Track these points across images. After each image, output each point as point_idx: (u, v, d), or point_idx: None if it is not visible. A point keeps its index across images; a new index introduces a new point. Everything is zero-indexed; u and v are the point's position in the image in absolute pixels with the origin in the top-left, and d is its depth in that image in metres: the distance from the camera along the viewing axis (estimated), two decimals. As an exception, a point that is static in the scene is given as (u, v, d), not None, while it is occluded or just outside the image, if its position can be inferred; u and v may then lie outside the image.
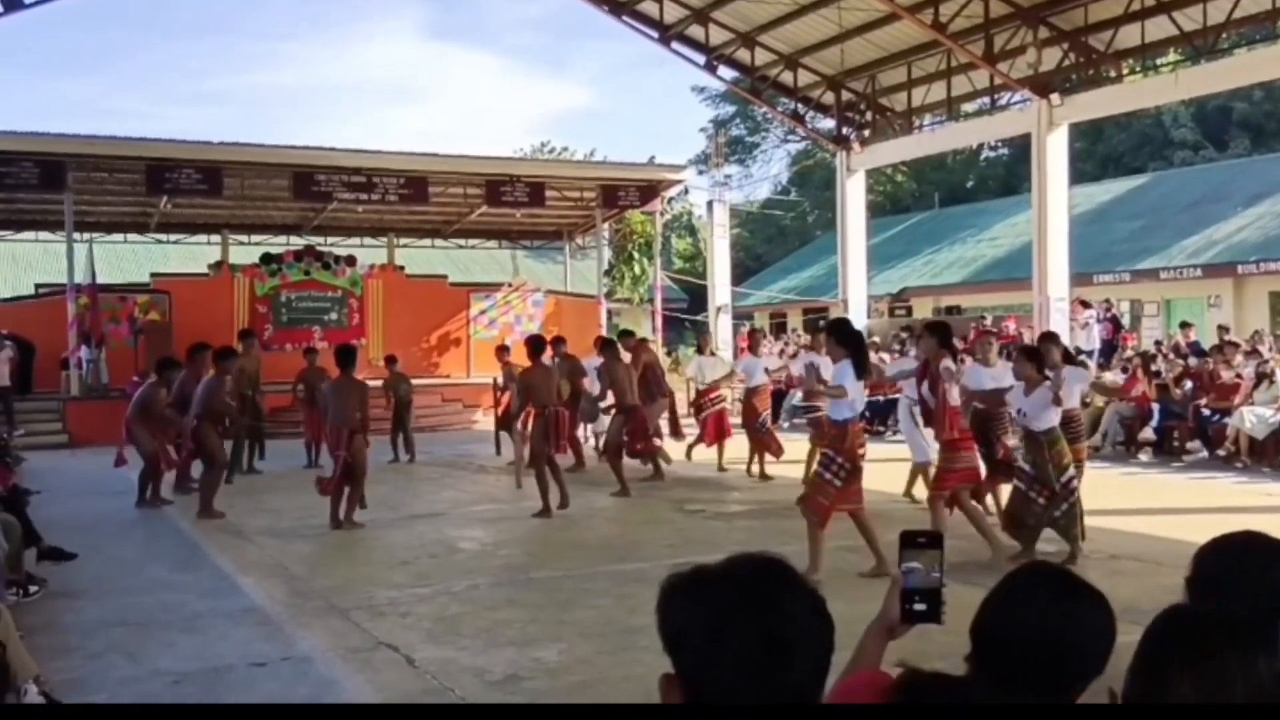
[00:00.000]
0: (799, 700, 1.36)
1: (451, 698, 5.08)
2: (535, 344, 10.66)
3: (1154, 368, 15.16)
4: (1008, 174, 41.17)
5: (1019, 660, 1.67)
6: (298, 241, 25.11)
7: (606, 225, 26.96)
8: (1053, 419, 7.71)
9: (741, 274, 36.03)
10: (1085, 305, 19.60)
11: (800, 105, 24.80)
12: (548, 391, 10.32)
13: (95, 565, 8.08)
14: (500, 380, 14.23)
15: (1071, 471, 7.77)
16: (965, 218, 34.59)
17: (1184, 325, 18.61)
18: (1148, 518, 9.60)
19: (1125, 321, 22.06)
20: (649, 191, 23.86)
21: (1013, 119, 21.59)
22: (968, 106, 23.48)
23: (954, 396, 7.78)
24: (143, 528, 10.15)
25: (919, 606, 1.83)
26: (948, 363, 7.82)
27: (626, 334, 13.67)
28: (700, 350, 14.80)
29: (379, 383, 14.31)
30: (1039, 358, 8.07)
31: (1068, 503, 7.64)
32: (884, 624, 1.89)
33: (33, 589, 6.97)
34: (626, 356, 12.33)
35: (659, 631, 1.44)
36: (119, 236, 25.74)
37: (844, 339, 7.41)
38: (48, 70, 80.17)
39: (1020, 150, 36.59)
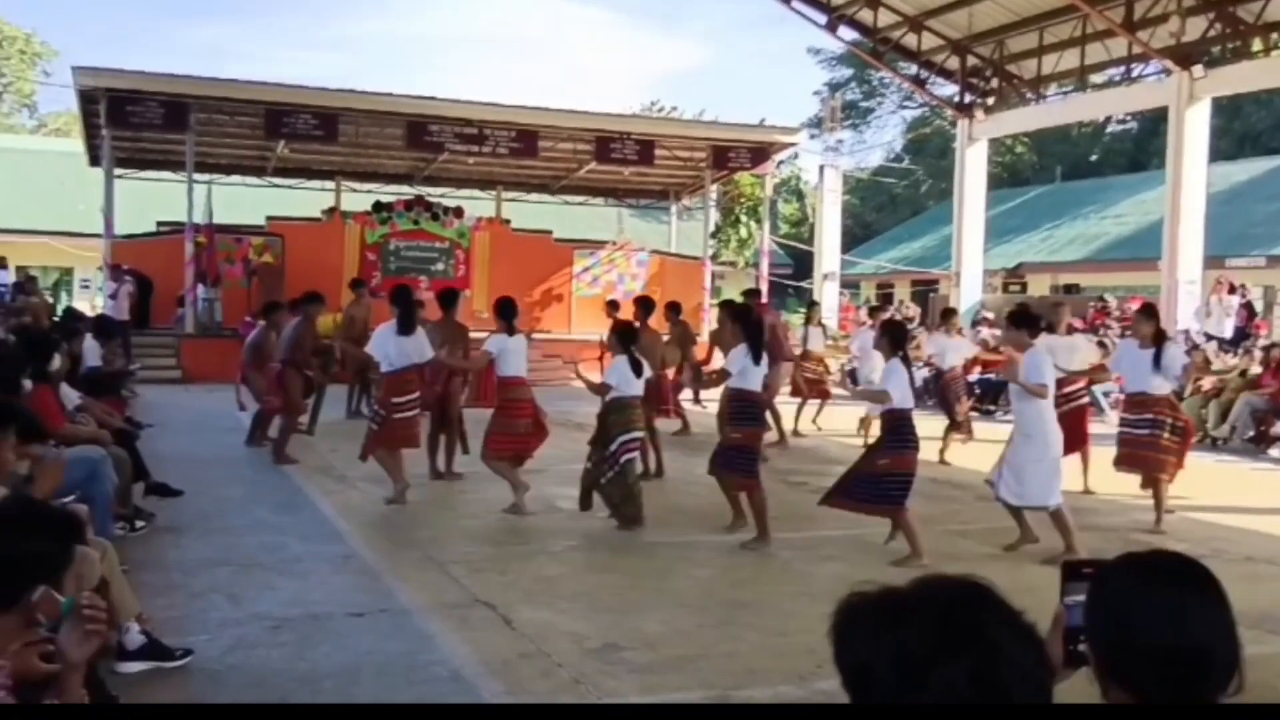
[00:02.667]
0: None
1: (548, 663, 4.94)
2: (645, 305, 10.44)
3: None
4: (1136, 149, 39.51)
5: (1149, 674, 1.42)
6: (408, 191, 25.28)
7: (715, 186, 26.55)
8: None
9: (849, 241, 35.25)
10: (1232, 289, 18.56)
11: (922, 70, 24.02)
12: (652, 355, 10.07)
13: (201, 502, 8.18)
14: (606, 338, 14.06)
15: (624, 438, 7.67)
16: (1088, 193, 33.27)
17: (1324, 315, 17.59)
18: (1282, 518, 9.02)
19: (1259, 308, 20.92)
20: (760, 153, 23.38)
21: (1149, 90, 20.57)
22: (1097, 77, 22.47)
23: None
24: (249, 467, 10.27)
25: (1084, 648, 1.55)
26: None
27: (752, 293, 13.29)
28: (810, 321, 14.28)
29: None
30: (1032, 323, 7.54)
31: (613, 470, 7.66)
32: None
33: (140, 524, 7.05)
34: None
35: (835, 661, 1.20)
36: (236, 178, 26.24)
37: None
38: (175, 13, 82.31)
39: (1151, 124, 35.11)
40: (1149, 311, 8.75)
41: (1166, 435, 8.33)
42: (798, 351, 13.60)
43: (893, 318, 10.19)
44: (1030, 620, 1.19)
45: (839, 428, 13.44)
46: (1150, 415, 8.36)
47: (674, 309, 12.65)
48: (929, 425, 11.43)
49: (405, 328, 8.65)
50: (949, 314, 13.00)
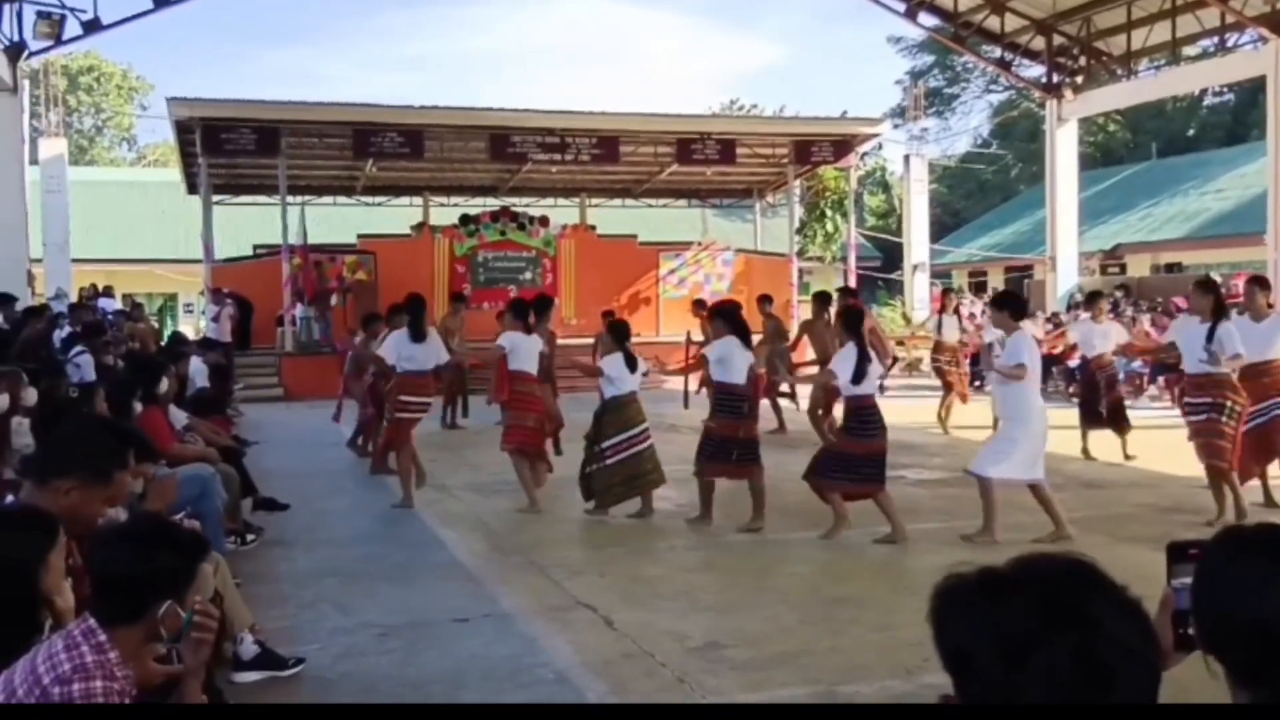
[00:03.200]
0: None
1: (651, 663, 4.96)
2: (826, 300, 10.40)
3: None
4: (1234, 121, 38.14)
5: (1253, 653, 1.36)
6: (494, 203, 25.59)
7: (798, 182, 26.35)
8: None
9: (938, 231, 34.71)
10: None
11: (1007, 52, 23.52)
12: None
13: (306, 516, 8.38)
14: (692, 336, 14.02)
15: (617, 438, 8.00)
16: (1186, 169, 32.20)
17: None
18: None
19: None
20: (843, 146, 23.13)
21: (1245, 60, 19.84)
22: (1190, 49, 21.76)
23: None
24: (350, 480, 10.49)
25: (1194, 630, 1.49)
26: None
27: (847, 292, 13.05)
28: (945, 309, 13.51)
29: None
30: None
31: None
32: None
33: (249, 538, 7.26)
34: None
35: (936, 646, 1.19)
36: (328, 199, 26.90)
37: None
38: (258, 41, 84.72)
39: (1249, 95, 33.85)
40: (1206, 285, 8.05)
41: (1224, 420, 7.62)
42: (932, 341, 13.34)
43: (852, 304, 9.96)
44: (1135, 596, 1.16)
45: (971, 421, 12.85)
46: (1208, 399, 7.70)
47: (764, 301, 12.53)
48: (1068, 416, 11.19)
49: (416, 335, 8.86)
50: (1094, 298, 11.91)
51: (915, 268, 26.55)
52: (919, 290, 26.71)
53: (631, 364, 8.23)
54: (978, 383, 14.86)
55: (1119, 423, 10.92)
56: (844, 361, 7.45)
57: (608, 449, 8.11)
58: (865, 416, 7.43)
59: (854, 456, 7.40)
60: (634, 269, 24.18)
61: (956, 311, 13.73)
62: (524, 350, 8.58)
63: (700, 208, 30.65)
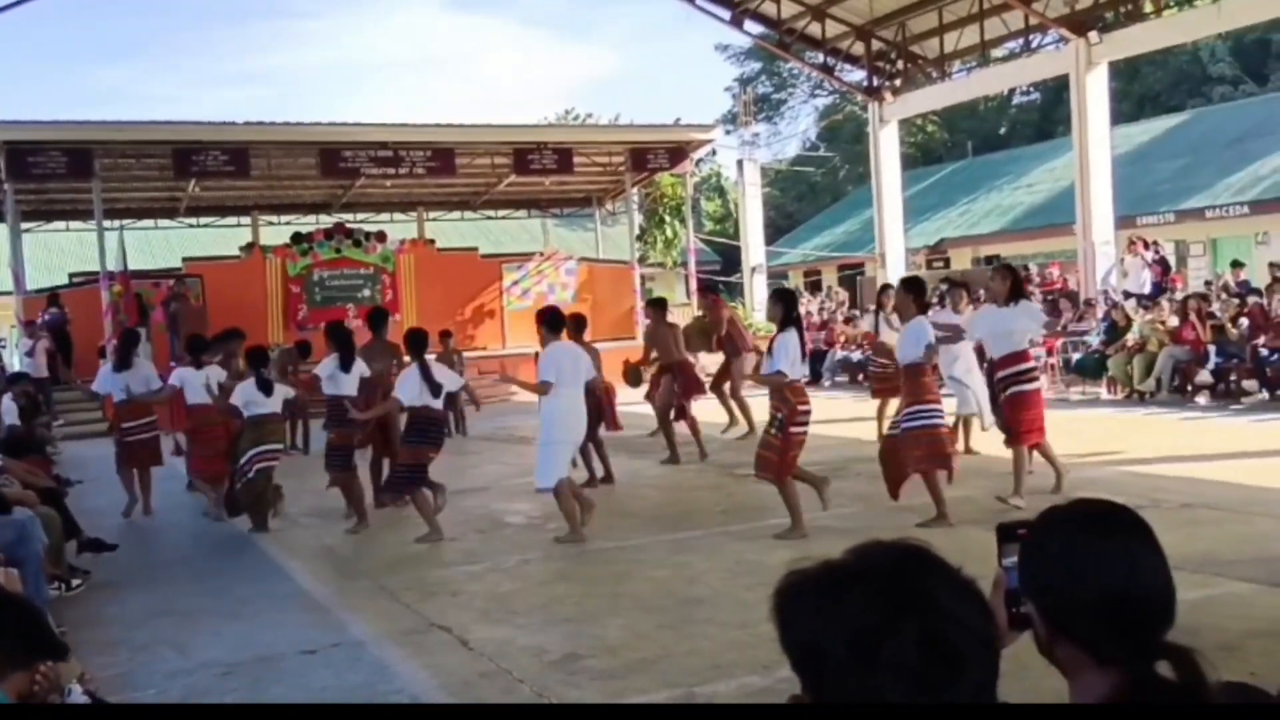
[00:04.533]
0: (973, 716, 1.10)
1: (509, 680, 4.88)
2: (577, 322, 10.33)
3: (1209, 309, 14.67)
4: (1042, 118, 40.32)
5: (1101, 625, 1.40)
6: (327, 220, 24.94)
7: (636, 189, 26.57)
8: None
9: (774, 233, 35.55)
10: (1147, 245, 18.91)
11: (829, 57, 24.31)
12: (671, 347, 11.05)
13: (138, 554, 7.98)
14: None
15: (252, 452, 8.53)
16: (1000, 165, 33.90)
17: (1235, 264, 18.05)
18: (1214, 464, 9.24)
19: (1172, 263, 21.45)
20: (678, 153, 23.46)
21: (1049, 60, 21.01)
22: (998, 51, 22.90)
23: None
24: (186, 514, 10.03)
25: (1028, 609, 1.54)
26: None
27: (712, 288, 13.27)
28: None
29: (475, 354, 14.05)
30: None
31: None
32: None
33: (75, 582, 6.84)
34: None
35: (782, 645, 1.17)
36: (149, 222, 25.70)
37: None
38: (75, 58, 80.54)
39: (1053, 93, 35.84)
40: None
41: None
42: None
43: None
44: (969, 576, 1.18)
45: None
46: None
47: (658, 305, 12.32)
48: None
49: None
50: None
51: (754, 270, 27.11)
52: (759, 292, 27.29)
53: (267, 389, 8.64)
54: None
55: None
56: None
57: (246, 462, 8.58)
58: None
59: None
60: (476, 282, 23.92)
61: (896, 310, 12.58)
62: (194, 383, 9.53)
63: (541, 218, 30.58)
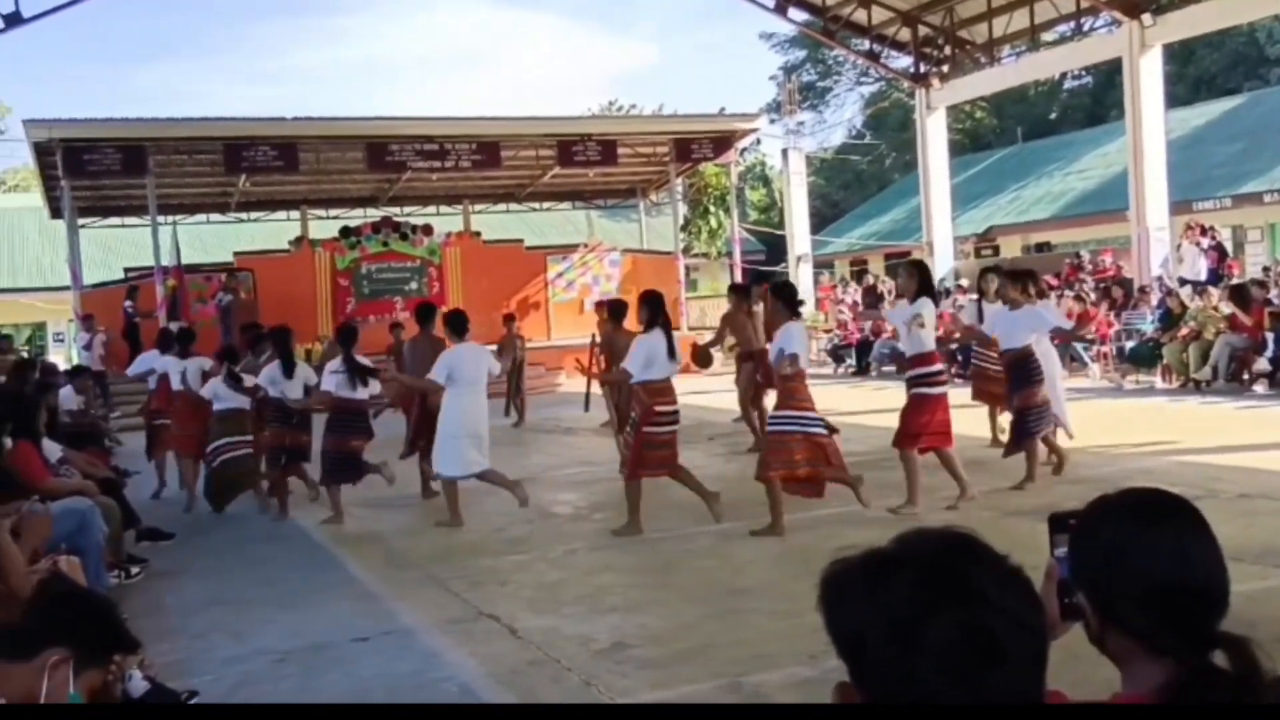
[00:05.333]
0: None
1: (557, 669, 4.91)
2: (615, 310, 10.35)
3: (1266, 295, 14.38)
4: (1093, 102, 39.69)
5: (1153, 615, 1.39)
6: (374, 213, 25.19)
7: (680, 180, 26.55)
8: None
9: (819, 222, 35.31)
10: (1203, 231, 18.55)
11: (875, 44, 24.10)
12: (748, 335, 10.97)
13: (194, 543, 8.11)
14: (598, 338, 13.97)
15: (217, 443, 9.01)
16: (1051, 151, 33.41)
17: (1295, 249, 17.68)
18: (1272, 453, 9.02)
19: (1229, 249, 21.05)
20: (722, 143, 23.40)
21: (1101, 43, 20.68)
22: (1049, 35, 22.58)
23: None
24: (240, 504, 10.17)
25: (1079, 600, 1.53)
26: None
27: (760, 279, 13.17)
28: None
29: (493, 347, 14.14)
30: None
31: None
32: None
33: (134, 570, 6.98)
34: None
35: (829, 633, 1.17)
36: (201, 217, 26.11)
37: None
38: (126, 58, 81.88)
39: (1105, 77, 35.25)
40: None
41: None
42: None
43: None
44: (1017, 563, 1.17)
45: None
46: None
47: (742, 291, 12.36)
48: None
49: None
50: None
51: (799, 259, 26.97)
52: (804, 282, 27.15)
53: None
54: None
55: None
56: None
57: (211, 453, 9.09)
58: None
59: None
60: (522, 274, 24.04)
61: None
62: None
63: (585, 209, 30.66)
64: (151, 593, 6.74)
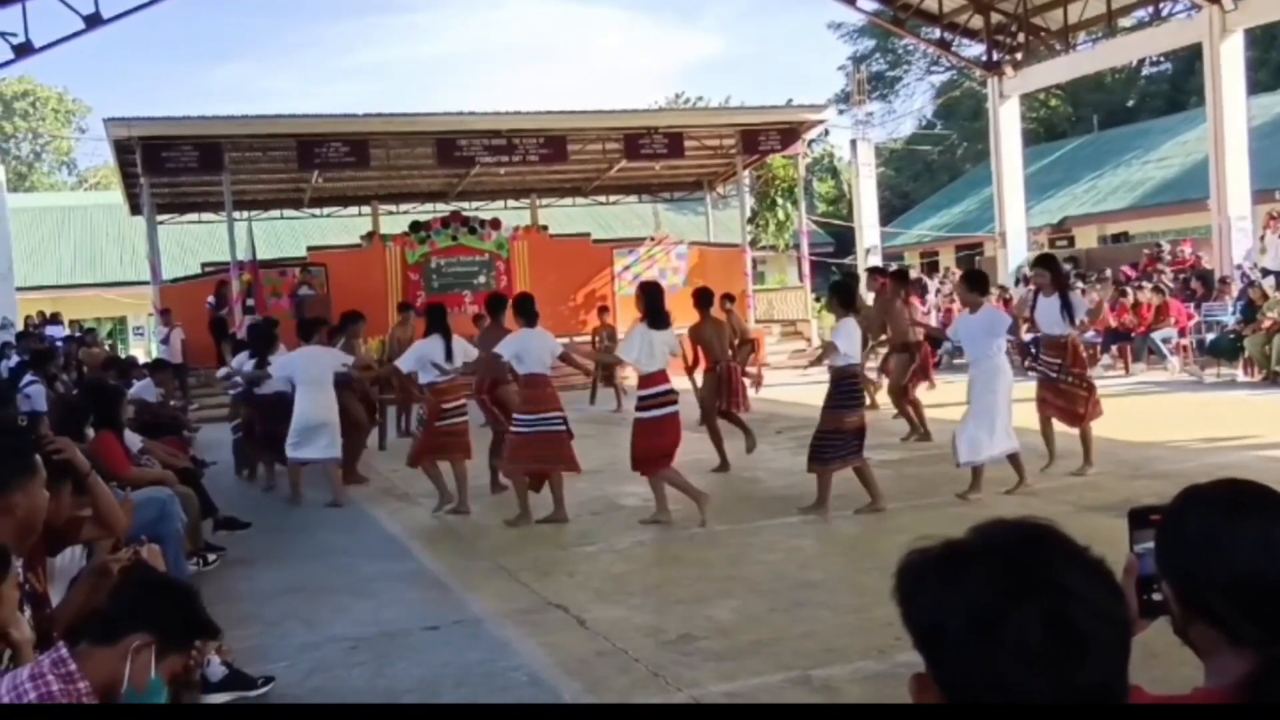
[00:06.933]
0: (1101, 700, 1.08)
1: (625, 659, 4.93)
2: (703, 297, 10.35)
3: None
4: (1172, 89, 38.70)
5: (1238, 607, 1.37)
6: (444, 208, 25.45)
7: (747, 172, 26.41)
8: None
9: (888, 213, 34.93)
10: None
11: (946, 32, 23.74)
12: (720, 346, 10.16)
13: (269, 532, 8.26)
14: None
15: None
16: (1129, 139, 32.64)
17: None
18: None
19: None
20: (790, 134, 23.20)
21: (1180, 29, 20.17)
22: (1126, 20, 22.06)
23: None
24: (313, 492, 10.35)
25: (1159, 596, 1.50)
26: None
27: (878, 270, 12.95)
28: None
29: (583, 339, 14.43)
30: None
31: None
32: None
33: (211, 558, 7.15)
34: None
35: (905, 624, 1.16)
36: (275, 213, 26.61)
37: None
38: (201, 57, 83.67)
39: (1185, 63, 34.37)
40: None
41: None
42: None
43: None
44: (1098, 555, 1.15)
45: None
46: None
47: (727, 299, 12.47)
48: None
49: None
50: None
51: (868, 251, 26.68)
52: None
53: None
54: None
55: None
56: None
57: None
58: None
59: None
60: (589, 267, 24.09)
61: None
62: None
63: (651, 202, 30.65)
64: (227, 580, 6.89)
